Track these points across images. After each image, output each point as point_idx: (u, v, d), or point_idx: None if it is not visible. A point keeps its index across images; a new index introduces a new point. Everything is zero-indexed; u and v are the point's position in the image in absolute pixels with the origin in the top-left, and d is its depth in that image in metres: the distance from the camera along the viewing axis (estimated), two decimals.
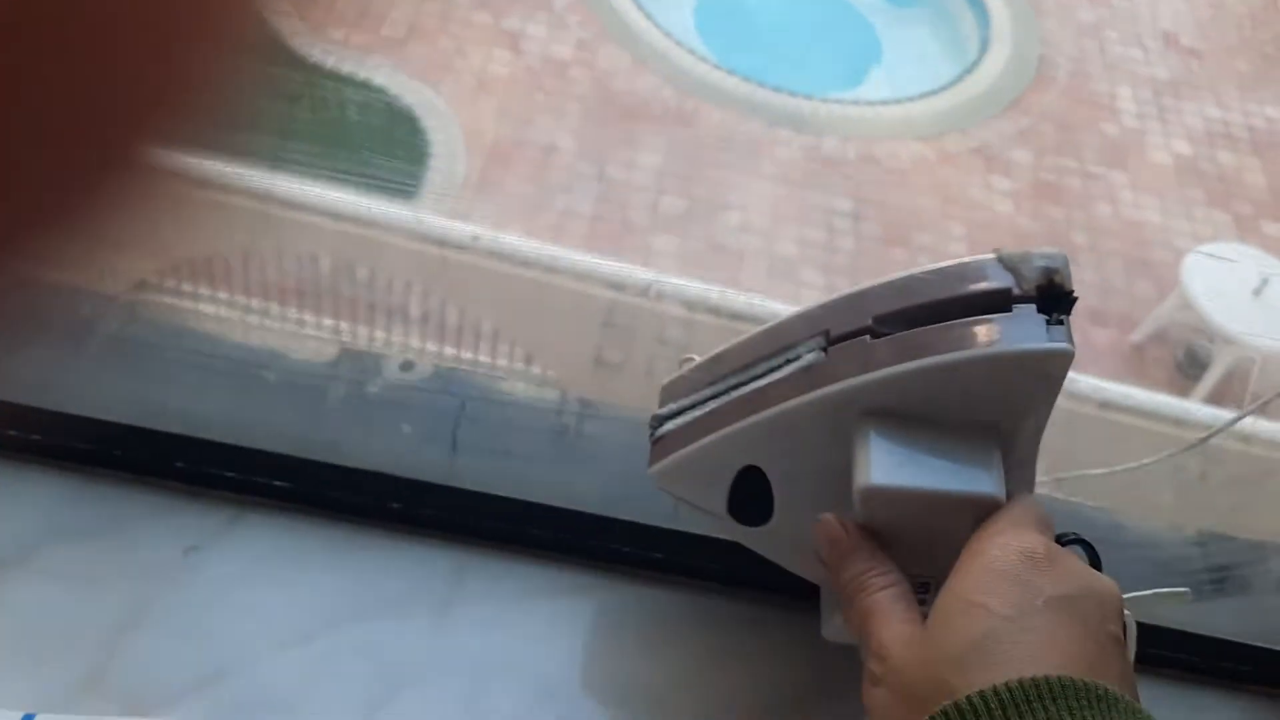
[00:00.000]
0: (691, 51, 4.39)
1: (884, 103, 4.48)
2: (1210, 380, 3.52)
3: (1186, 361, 3.73)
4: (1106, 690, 0.33)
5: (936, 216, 4.09)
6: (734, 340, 0.45)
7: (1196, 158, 4.30)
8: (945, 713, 0.32)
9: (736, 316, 1.63)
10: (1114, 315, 3.86)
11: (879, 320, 0.40)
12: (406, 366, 0.66)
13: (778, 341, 0.42)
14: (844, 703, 0.47)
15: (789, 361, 0.42)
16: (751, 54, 4.48)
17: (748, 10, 4.93)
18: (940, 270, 0.41)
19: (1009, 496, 0.40)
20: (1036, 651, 0.33)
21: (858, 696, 0.38)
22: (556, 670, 0.55)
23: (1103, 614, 0.34)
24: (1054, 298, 0.40)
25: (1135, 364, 3.77)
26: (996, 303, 0.39)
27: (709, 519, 0.46)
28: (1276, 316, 3.52)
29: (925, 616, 0.39)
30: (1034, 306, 0.39)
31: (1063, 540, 0.39)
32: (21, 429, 0.57)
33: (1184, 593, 0.45)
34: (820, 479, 0.40)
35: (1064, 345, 0.38)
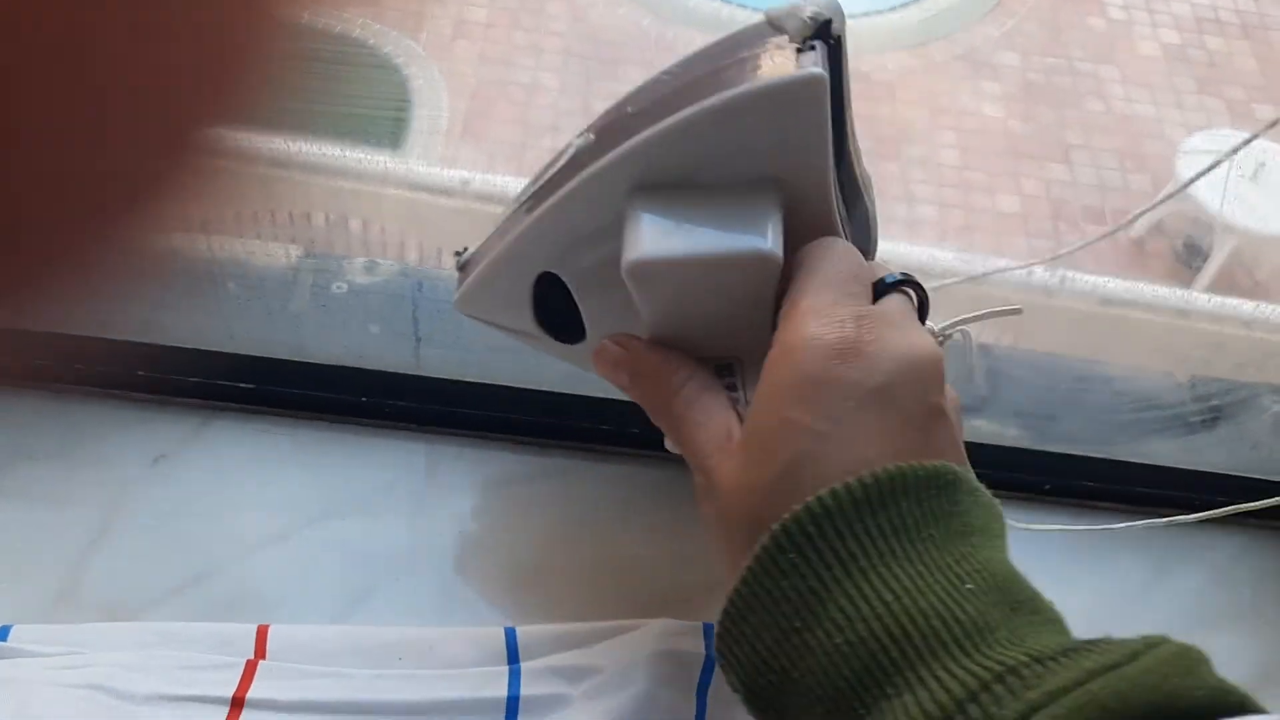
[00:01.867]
0: None
1: (866, 14, 4.42)
2: (1211, 268, 3.50)
3: (1186, 252, 3.70)
4: (953, 472, 0.31)
5: (926, 127, 4.04)
6: None
7: (1185, 45, 4.24)
8: (775, 538, 0.30)
9: None
10: (1111, 212, 3.83)
11: (642, 98, 0.38)
12: (370, 267, 0.65)
13: (560, 152, 0.40)
14: None
15: (561, 156, 0.39)
16: None
17: None
18: (708, 45, 0.38)
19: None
20: (865, 450, 0.31)
21: None
22: (533, 555, 0.55)
23: (923, 388, 0.32)
24: (812, 34, 0.36)
25: (1135, 258, 3.75)
26: (754, 51, 0.36)
27: (535, 343, 0.44)
28: (1273, 199, 3.48)
29: (738, 402, 0.37)
30: (786, 38, 0.36)
31: (882, 285, 0.36)
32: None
33: (1017, 309, 0.43)
34: (614, 277, 0.36)
35: (811, 70, 0.34)
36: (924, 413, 0.32)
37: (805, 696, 0.29)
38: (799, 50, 0.35)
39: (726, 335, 0.37)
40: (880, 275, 0.36)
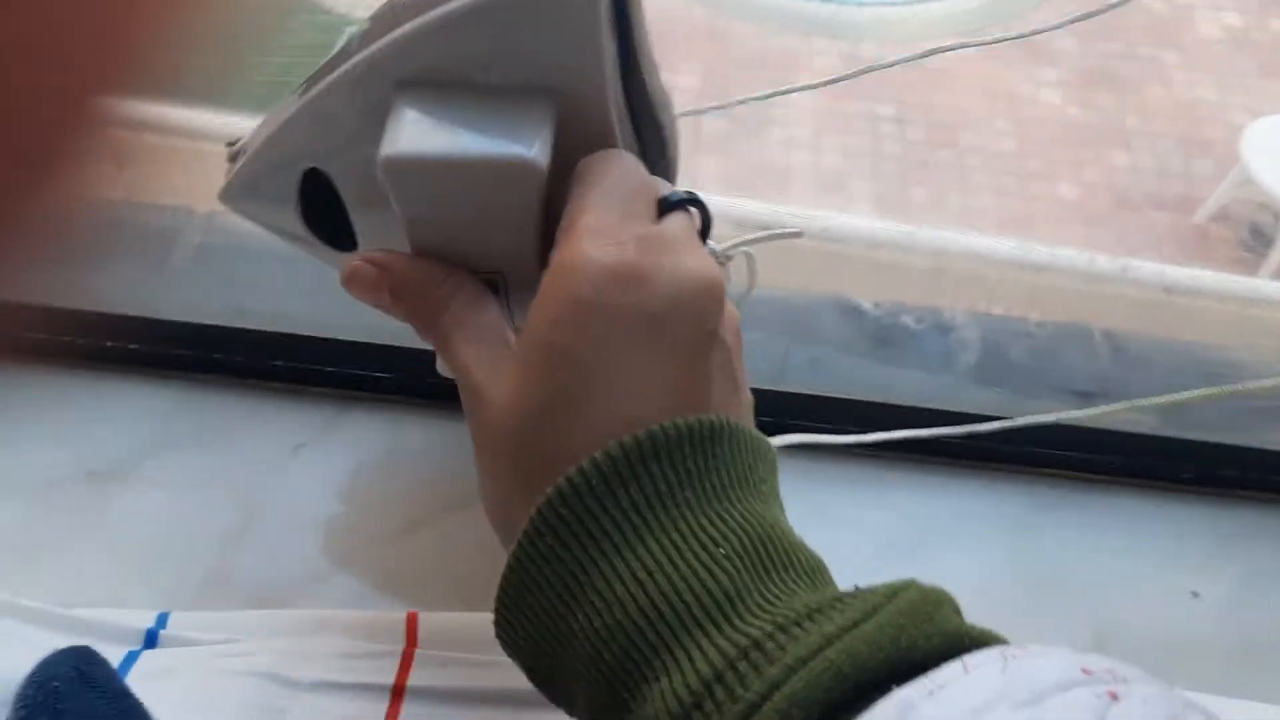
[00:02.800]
0: None
1: (921, 1, 4.38)
2: (1277, 255, 3.43)
3: (1252, 238, 3.64)
4: (710, 424, 0.29)
5: (983, 114, 4.00)
6: None
7: (1248, 28, 4.16)
8: (532, 522, 0.29)
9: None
10: (1173, 198, 3.77)
11: None
12: None
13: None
14: None
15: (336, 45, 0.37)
16: None
17: None
18: None
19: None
20: (628, 398, 0.29)
21: None
22: None
23: (700, 315, 0.30)
24: None
25: (1199, 246, 3.69)
26: None
27: (309, 250, 0.42)
28: None
29: (506, 319, 0.35)
30: None
31: (666, 203, 0.34)
32: (119, 338, 0.56)
33: (797, 232, 0.41)
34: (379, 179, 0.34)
35: None
36: (699, 340, 0.30)
37: (579, 680, 0.29)
38: None
39: (490, 249, 0.35)
40: (664, 193, 0.34)
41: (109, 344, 0.56)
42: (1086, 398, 0.61)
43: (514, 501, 0.30)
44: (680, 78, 3.97)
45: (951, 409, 0.58)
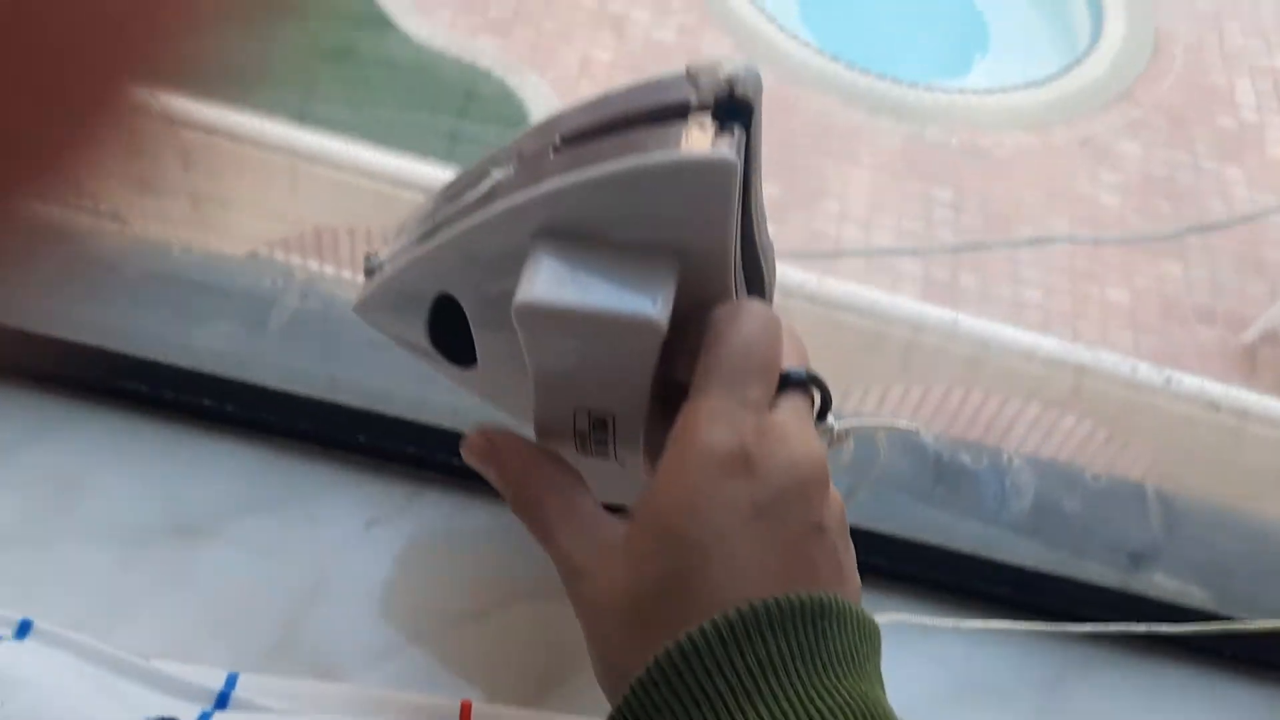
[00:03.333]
0: (794, 37, 4.37)
1: (989, 91, 4.40)
2: None
3: None
4: (820, 602, 0.31)
5: (1040, 209, 4.01)
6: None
7: None
8: (643, 677, 0.31)
9: (834, 305, 1.62)
10: (1222, 314, 3.76)
11: (564, 138, 0.38)
12: None
13: (482, 168, 0.41)
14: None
15: (482, 182, 0.40)
16: (855, 41, 4.44)
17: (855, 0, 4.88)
18: (629, 87, 0.39)
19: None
20: (739, 578, 0.31)
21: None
22: None
23: (806, 506, 0.32)
24: (732, 108, 0.37)
25: (1245, 365, 3.67)
26: (672, 114, 0.37)
27: (428, 362, 0.45)
28: None
29: (608, 457, 0.38)
30: (709, 116, 0.36)
31: (786, 380, 0.36)
32: (215, 399, 0.59)
33: (914, 428, 0.43)
34: (508, 311, 0.37)
35: (724, 155, 0.35)
36: (804, 531, 0.32)
37: None
38: (718, 129, 0.36)
39: (606, 391, 0.38)
40: (786, 369, 0.37)
41: (206, 403, 0.59)
42: (1137, 559, 0.62)
43: (625, 666, 0.32)
44: None
45: (1004, 558, 0.60)
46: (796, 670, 0.30)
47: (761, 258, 0.42)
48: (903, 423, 0.41)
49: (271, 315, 0.65)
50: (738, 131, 0.36)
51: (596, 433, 0.38)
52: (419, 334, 0.43)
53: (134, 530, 0.56)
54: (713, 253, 0.37)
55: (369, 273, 0.43)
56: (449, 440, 0.60)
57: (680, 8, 4.41)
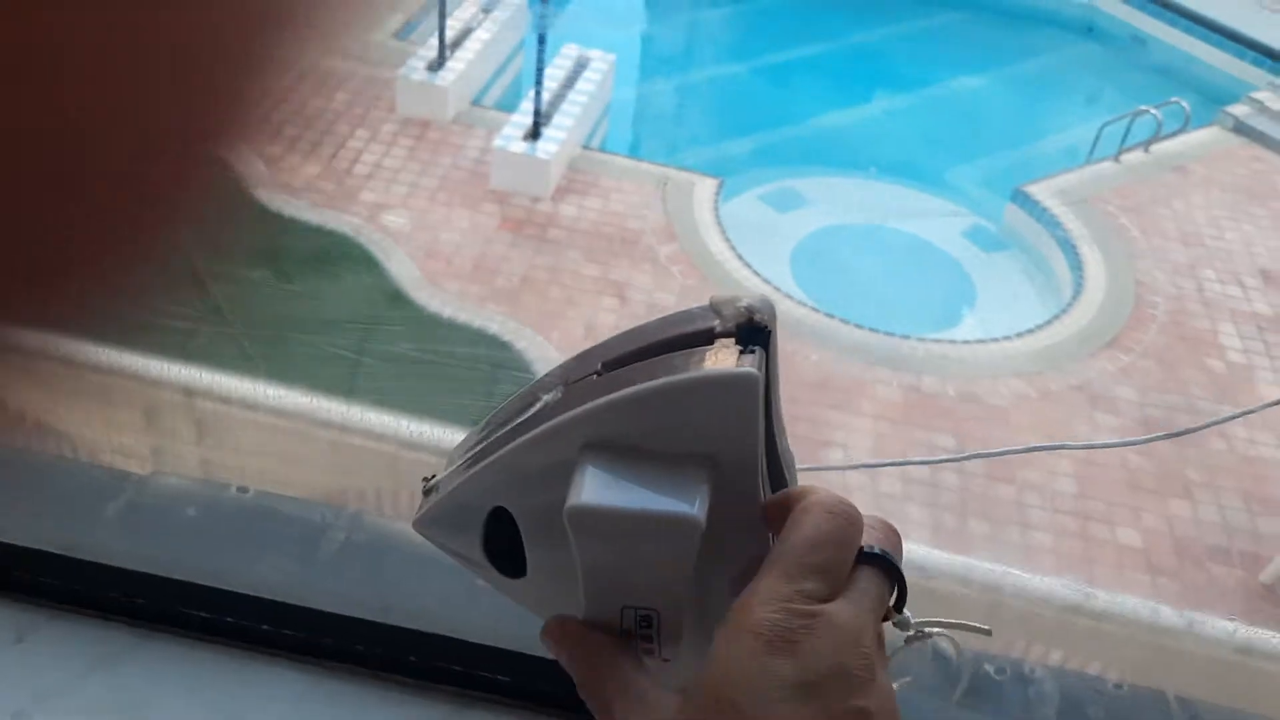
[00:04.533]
0: (789, 296, 4.56)
1: (981, 341, 4.55)
2: None
3: None
4: None
5: (1041, 454, 4.06)
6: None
7: None
8: None
9: None
10: (1238, 554, 3.74)
11: (605, 364, 0.43)
12: None
13: (533, 393, 0.44)
14: None
15: (531, 406, 0.44)
16: (848, 299, 4.64)
17: (842, 258, 5.12)
18: (661, 318, 0.44)
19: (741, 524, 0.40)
20: None
21: None
22: None
23: (849, 687, 0.34)
24: (751, 332, 0.42)
25: (1268, 606, 3.62)
26: (700, 340, 0.42)
27: (480, 573, 0.46)
28: None
29: (654, 653, 0.40)
30: (732, 340, 0.41)
31: (866, 557, 0.38)
32: (273, 624, 0.62)
33: (987, 630, 0.43)
34: (558, 520, 0.40)
35: (748, 370, 0.40)
36: (847, 713, 0.34)
37: None
38: (741, 351, 0.40)
39: (650, 588, 0.41)
40: (864, 547, 0.39)
41: (264, 628, 0.62)
42: None
43: None
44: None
45: None
46: None
47: (785, 465, 0.47)
48: (976, 625, 0.43)
49: (322, 545, 0.68)
50: (758, 352, 0.40)
51: (642, 629, 0.42)
52: (474, 547, 0.47)
53: None
54: (743, 459, 0.41)
55: (427, 493, 0.47)
56: (494, 659, 0.63)
57: (679, 272, 4.62)
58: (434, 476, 0.49)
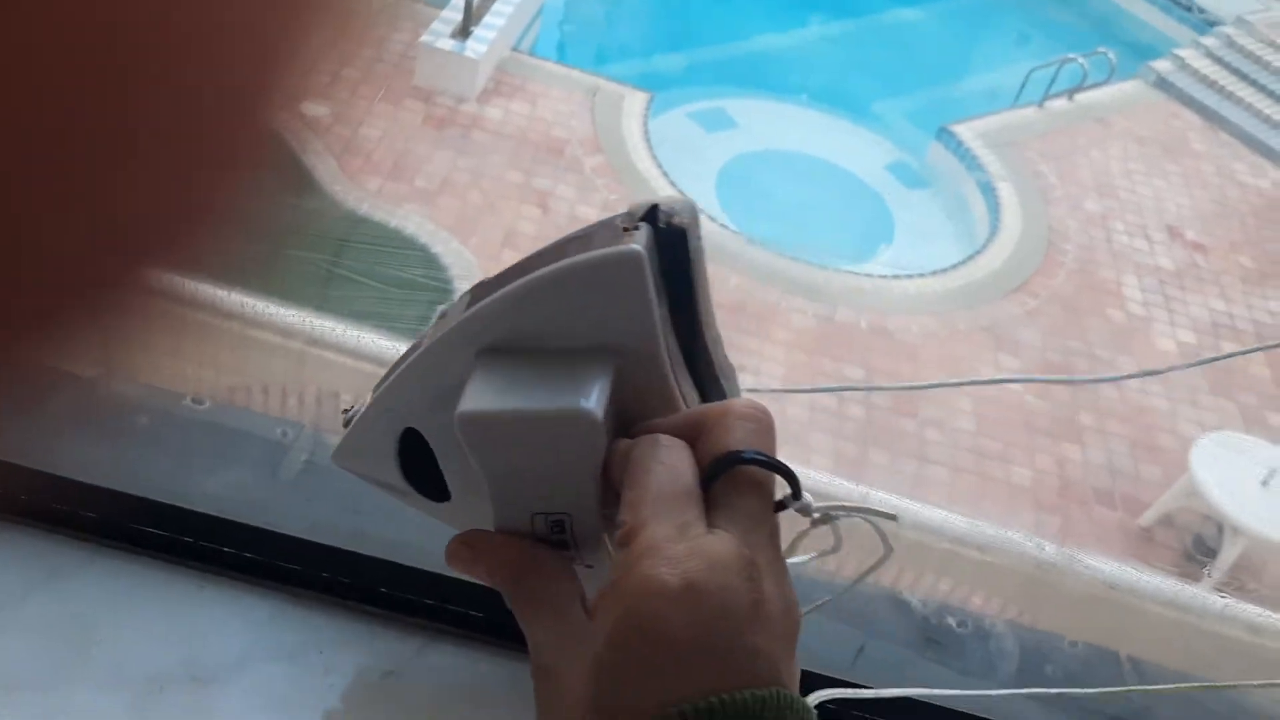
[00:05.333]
0: (713, 219, 4.55)
1: (895, 277, 4.60)
2: (1221, 568, 3.54)
3: (1196, 548, 3.75)
4: (761, 698, 0.33)
5: (945, 390, 4.16)
6: None
7: (1201, 347, 4.41)
8: None
9: None
10: (1121, 497, 3.90)
11: (509, 270, 0.40)
12: None
13: (444, 312, 0.41)
14: None
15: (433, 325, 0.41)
16: (769, 224, 4.64)
17: (767, 183, 5.11)
18: (580, 228, 0.42)
19: (652, 423, 0.38)
20: (684, 683, 0.33)
21: None
22: None
23: (738, 629, 0.34)
24: (652, 218, 0.38)
25: (1144, 547, 3.79)
26: (603, 235, 0.38)
27: (408, 501, 0.45)
28: None
29: (574, 560, 0.38)
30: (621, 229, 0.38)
31: (715, 466, 0.36)
32: (235, 546, 0.59)
33: (893, 515, 0.42)
34: None
35: (629, 247, 0.36)
36: (738, 630, 0.33)
37: None
38: (625, 230, 0.37)
39: (558, 493, 0.39)
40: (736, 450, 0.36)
41: (226, 550, 0.59)
42: None
43: None
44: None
45: None
46: None
47: (721, 377, 0.44)
48: (881, 508, 0.41)
49: (285, 465, 0.65)
50: (643, 228, 0.37)
51: (556, 534, 0.38)
52: (393, 473, 0.44)
53: (148, 678, 0.55)
54: (643, 348, 0.38)
55: (346, 424, 0.44)
56: (464, 591, 0.61)
57: (603, 185, 4.56)
58: (352, 407, 0.45)
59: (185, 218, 0.18)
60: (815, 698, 0.60)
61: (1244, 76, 5.59)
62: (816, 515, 0.38)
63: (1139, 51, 5.83)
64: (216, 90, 0.17)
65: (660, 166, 4.67)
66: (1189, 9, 6.19)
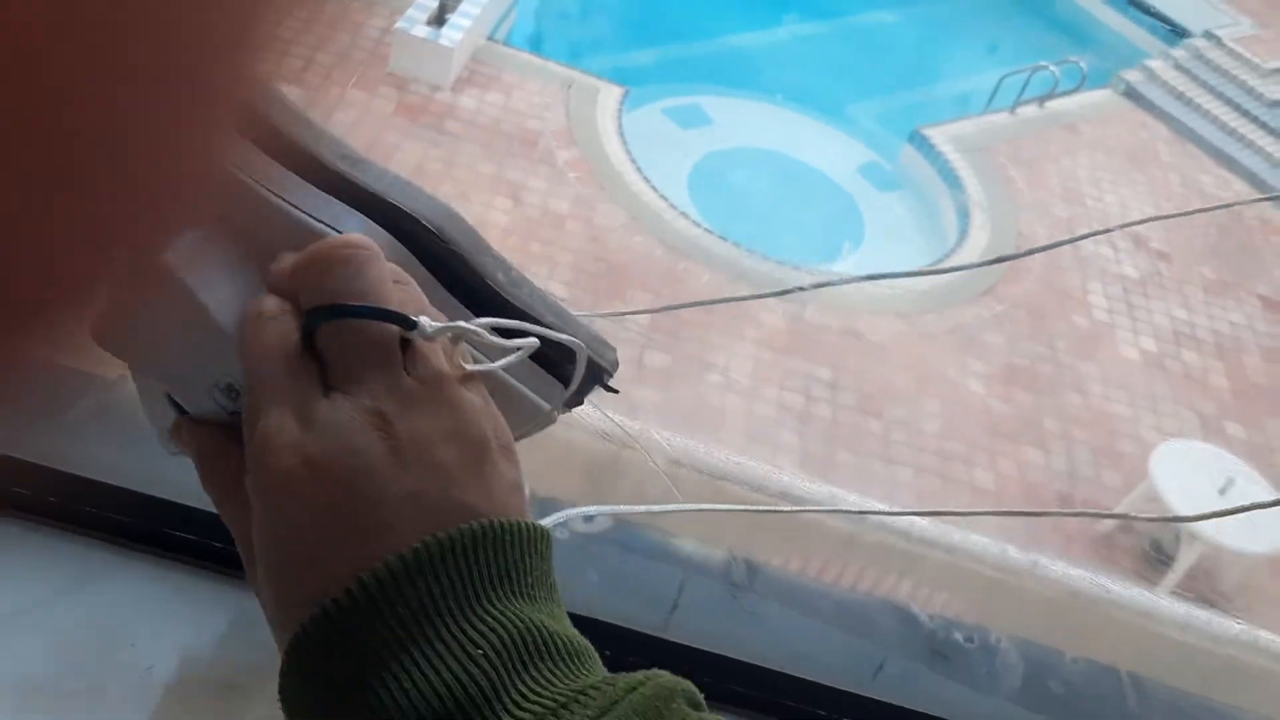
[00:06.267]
0: (685, 215, 4.56)
1: (867, 280, 4.64)
2: (1177, 573, 3.60)
3: (1154, 552, 3.81)
4: (461, 534, 0.31)
5: (912, 392, 4.19)
6: None
7: (1163, 355, 4.48)
8: (295, 645, 0.31)
9: (717, 475, 1.66)
10: (1082, 503, 3.95)
11: None
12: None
13: None
14: None
15: None
16: (741, 222, 4.65)
17: (740, 181, 5.13)
18: None
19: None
20: (363, 540, 0.32)
21: None
22: None
23: (370, 475, 0.31)
24: None
25: (1103, 550, 3.85)
26: None
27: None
28: (1240, 517, 3.61)
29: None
30: None
31: (318, 315, 0.32)
32: (202, 534, 0.59)
33: (533, 343, 0.35)
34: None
35: None
36: (384, 490, 0.31)
37: None
38: None
39: (206, 361, 0.36)
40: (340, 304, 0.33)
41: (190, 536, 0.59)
42: None
43: (281, 621, 0.32)
44: (630, 307, 4.12)
45: None
46: (449, 608, 0.30)
47: (392, 193, 0.37)
48: (561, 336, 0.36)
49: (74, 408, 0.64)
50: None
51: (235, 400, 0.36)
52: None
53: (176, 683, 0.55)
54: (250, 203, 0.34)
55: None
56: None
57: (576, 179, 4.56)
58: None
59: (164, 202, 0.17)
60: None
61: (1211, 89, 5.68)
62: (430, 334, 0.33)
63: (1110, 60, 5.91)
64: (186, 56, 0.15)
65: (634, 161, 4.67)
66: (1163, 21, 6.28)
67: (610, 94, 4.88)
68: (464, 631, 0.30)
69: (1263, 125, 5.51)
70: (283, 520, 0.32)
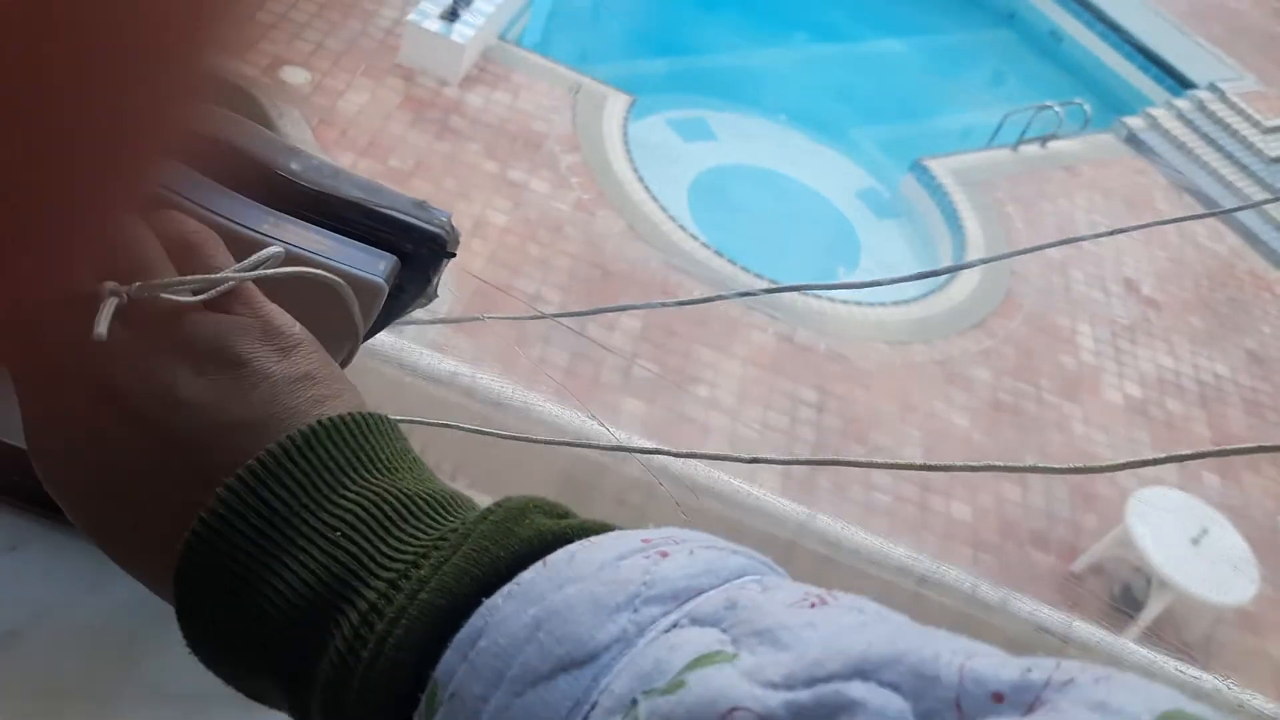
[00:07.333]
0: (682, 227, 4.56)
1: (858, 304, 4.65)
2: (1145, 620, 3.61)
3: (1122, 598, 3.83)
4: (295, 439, 0.32)
5: (895, 420, 4.20)
6: None
7: (1146, 401, 4.50)
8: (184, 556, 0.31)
9: (697, 489, 1.67)
10: (1055, 542, 3.97)
11: None
12: None
13: None
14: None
15: None
16: (738, 238, 4.66)
17: (739, 197, 5.14)
18: None
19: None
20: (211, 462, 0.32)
21: None
22: None
23: (163, 390, 0.32)
24: None
25: (1071, 592, 3.86)
26: None
27: None
28: (1213, 567, 3.63)
29: None
30: None
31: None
32: None
33: (279, 252, 0.35)
34: None
35: None
36: (200, 391, 0.32)
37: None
38: None
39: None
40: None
41: None
42: None
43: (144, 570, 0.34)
44: (624, 318, 4.12)
45: None
46: (305, 505, 0.31)
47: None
48: (326, 275, 0.36)
49: None
50: None
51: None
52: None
53: (196, 694, 0.54)
54: None
55: None
56: None
57: (578, 183, 4.56)
58: None
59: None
60: None
61: (1211, 141, 5.72)
62: (134, 294, 0.32)
63: (1113, 105, 5.95)
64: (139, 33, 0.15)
65: (636, 170, 4.67)
66: (1168, 70, 6.32)
67: (618, 101, 4.88)
68: (321, 520, 0.31)
69: (1260, 181, 5.55)
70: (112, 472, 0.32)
